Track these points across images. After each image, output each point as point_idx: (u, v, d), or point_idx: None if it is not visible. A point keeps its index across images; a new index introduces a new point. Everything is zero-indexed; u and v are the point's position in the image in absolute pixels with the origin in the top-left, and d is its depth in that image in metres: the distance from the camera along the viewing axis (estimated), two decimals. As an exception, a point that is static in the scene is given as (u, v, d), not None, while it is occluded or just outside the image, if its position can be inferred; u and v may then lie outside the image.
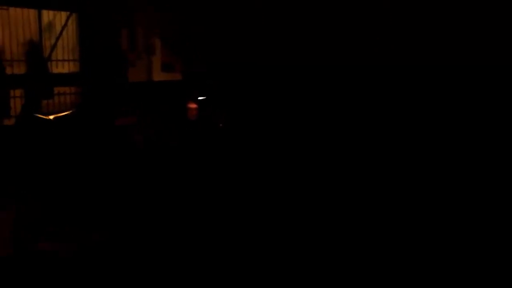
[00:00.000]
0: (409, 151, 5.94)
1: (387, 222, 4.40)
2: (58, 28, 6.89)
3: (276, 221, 4.34)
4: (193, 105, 5.86)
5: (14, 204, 4.34)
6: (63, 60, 6.93)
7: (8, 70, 6.18)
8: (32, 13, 6.56)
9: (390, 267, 3.56)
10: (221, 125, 5.98)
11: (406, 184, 5.24)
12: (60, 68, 6.88)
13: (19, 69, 6.36)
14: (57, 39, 6.82)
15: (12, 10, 6.33)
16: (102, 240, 3.85)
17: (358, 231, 4.19)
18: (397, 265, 3.58)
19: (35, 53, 6.46)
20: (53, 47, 6.79)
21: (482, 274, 3.44)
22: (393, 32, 6.45)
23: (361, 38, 6.68)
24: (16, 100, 6.21)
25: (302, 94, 7.00)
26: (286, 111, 6.93)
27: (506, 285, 3.32)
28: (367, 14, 6.66)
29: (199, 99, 5.93)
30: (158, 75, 7.31)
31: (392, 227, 4.28)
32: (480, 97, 5.90)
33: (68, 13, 6.88)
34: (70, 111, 6.33)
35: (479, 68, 5.90)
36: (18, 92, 6.19)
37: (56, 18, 6.90)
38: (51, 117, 5.97)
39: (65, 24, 6.89)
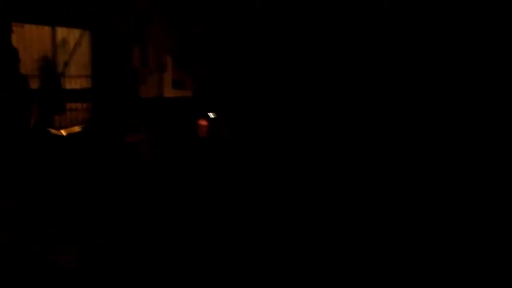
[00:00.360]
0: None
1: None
2: (71, 44, 7.03)
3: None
4: (203, 122, 5.92)
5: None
6: (76, 76, 7.06)
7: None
8: (46, 30, 6.71)
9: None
10: (223, 133, 6.00)
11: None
12: (73, 83, 7.00)
13: (33, 84, 6.48)
14: (70, 55, 6.96)
15: (27, 27, 6.48)
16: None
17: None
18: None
19: (49, 69, 6.59)
20: (66, 63, 6.93)
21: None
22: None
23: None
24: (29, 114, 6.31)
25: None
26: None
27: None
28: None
29: (210, 116, 6.00)
30: (169, 92, 7.42)
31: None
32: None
33: (81, 30, 7.03)
34: (82, 126, 6.43)
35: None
36: (31, 106, 6.29)
37: (69, 35, 7.05)
38: (63, 131, 6.07)
39: (79, 41, 7.03)
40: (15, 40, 6.30)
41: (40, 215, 4.41)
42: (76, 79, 7.05)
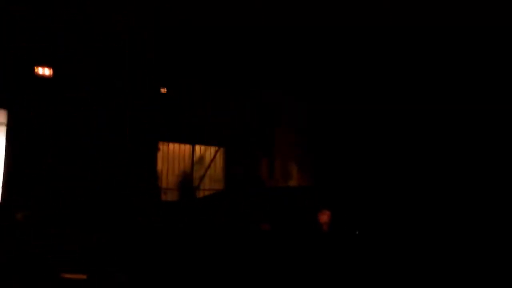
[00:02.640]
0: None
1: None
2: (207, 160, 7.67)
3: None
4: (325, 214, 5.63)
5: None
6: (210, 189, 7.56)
7: (164, 197, 6.92)
8: (187, 148, 7.47)
9: None
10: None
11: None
12: (207, 196, 7.48)
13: (171, 197, 7.06)
14: (206, 170, 7.56)
15: (171, 145, 7.28)
16: None
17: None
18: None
19: (186, 182, 7.19)
20: (202, 177, 7.51)
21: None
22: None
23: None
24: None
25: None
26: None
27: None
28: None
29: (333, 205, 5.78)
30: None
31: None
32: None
33: (216, 147, 7.68)
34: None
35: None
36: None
37: (206, 152, 7.73)
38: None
39: (214, 157, 7.66)
40: (160, 156, 7.09)
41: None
42: (210, 192, 7.54)
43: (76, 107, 6.10)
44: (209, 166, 7.61)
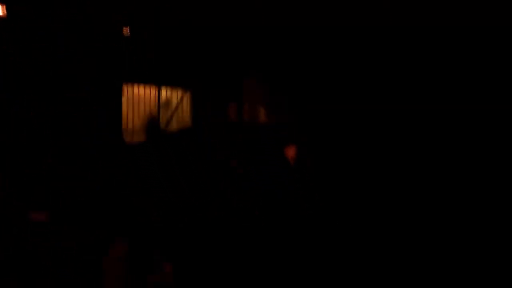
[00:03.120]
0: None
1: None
2: (174, 103, 7.55)
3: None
4: (292, 148, 5.66)
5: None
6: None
7: (130, 139, 6.83)
8: (153, 90, 7.31)
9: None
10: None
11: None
12: (174, 139, 7.43)
13: (138, 139, 6.98)
14: (173, 113, 7.45)
15: (136, 87, 7.11)
16: None
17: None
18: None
19: (153, 125, 7.08)
20: (169, 120, 7.41)
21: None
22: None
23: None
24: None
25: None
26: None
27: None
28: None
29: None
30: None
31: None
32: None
33: (183, 90, 7.55)
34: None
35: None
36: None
37: (173, 94, 7.59)
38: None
39: (181, 100, 7.54)
40: (124, 99, 6.93)
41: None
42: (176, 135, 7.49)
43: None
44: (176, 109, 7.50)
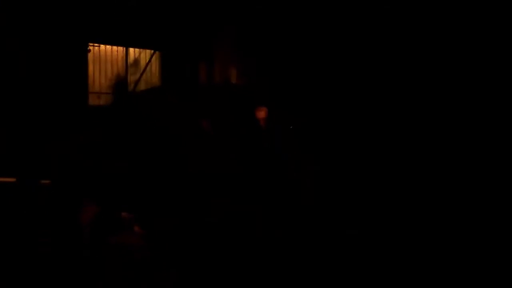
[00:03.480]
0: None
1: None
2: (142, 64, 7.37)
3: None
4: (262, 110, 5.56)
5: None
6: (146, 94, 7.35)
7: (96, 101, 6.66)
8: (120, 50, 7.11)
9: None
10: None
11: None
12: (143, 101, 7.29)
13: (105, 101, 6.82)
14: (141, 74, 7.29)
15: (102, 47, 6.89)
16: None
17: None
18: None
19: (121, 86, 6.92)
20: (137, 81, 7.25)
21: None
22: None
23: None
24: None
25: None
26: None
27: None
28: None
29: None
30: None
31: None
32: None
33: (152, 51, 7.36)
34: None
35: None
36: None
37: (141, 55, 7.40)
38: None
39: (149, 61, 7.36)
40: (91, 59, 6.72)
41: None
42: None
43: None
44: (144, 70, 7.34)
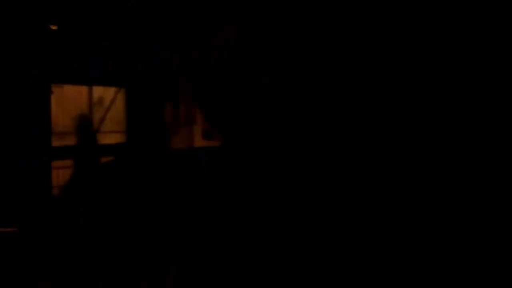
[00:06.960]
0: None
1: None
2: (107, 102, 7.36)
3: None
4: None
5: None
6: (111, 132, 7.32)
7: (60, 142, 6.58)
8: (84, 89, 7.09)
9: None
10: None
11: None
12: (108, 139, 7.25)
13: (69, 141, 6.75)
14: (106, 112, 7.26)
15: (66, 86, 6.86)
16: None
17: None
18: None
19: (85, 125, 6.87)
20: (102, 119, 7.22)
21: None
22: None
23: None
24: (60, 172, 6.54)
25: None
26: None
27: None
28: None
29: None
30: (199, 142, 7.53)
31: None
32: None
33: (116, 88, 7.36)
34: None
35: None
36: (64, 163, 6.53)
37: (105, 93, 7.40)
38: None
39: (114, 98, 7.35)
40: (54, 100, 6.66)
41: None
42: (111, 134, 7.31)
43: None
44: (109, 107, 7.32)
